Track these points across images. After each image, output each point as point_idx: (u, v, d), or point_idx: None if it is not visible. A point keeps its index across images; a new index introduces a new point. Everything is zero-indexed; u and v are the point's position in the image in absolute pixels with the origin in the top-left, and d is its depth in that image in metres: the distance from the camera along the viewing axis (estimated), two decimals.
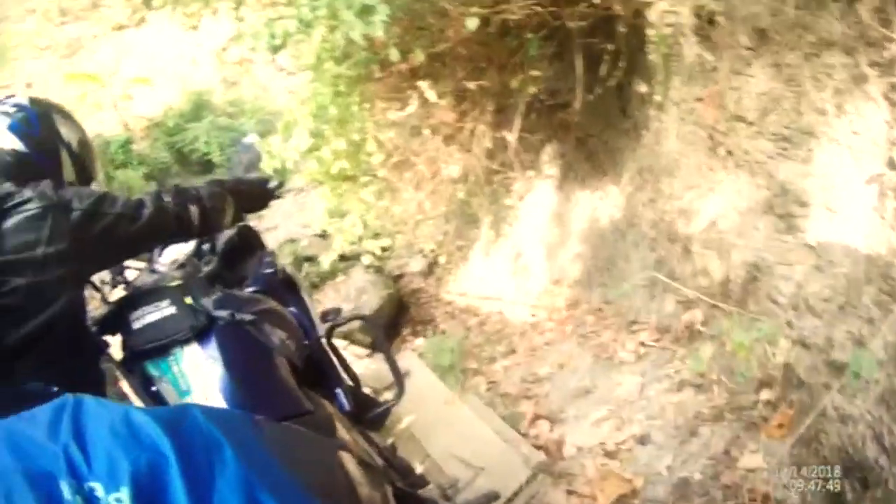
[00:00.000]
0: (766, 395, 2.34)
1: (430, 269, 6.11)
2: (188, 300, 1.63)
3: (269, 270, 2.05)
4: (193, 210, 1.67)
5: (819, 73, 2.14)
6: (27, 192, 1.42)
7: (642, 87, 3.06)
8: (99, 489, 0.85)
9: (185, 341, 1.60)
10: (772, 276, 2.42)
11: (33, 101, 1.74)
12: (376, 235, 5.59)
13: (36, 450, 0.89)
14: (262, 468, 0.94)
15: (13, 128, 1.63)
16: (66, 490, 0.84)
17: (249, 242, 2.17)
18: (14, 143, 1.62)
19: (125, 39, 10.92)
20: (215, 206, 1.75)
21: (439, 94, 3.99)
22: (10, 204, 1.39)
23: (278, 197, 2.10)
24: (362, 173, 4.64)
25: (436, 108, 4.44)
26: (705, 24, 2.50)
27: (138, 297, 1.70)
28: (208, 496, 0.87)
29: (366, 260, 5.36)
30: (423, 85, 3.89)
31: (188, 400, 1.55)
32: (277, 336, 1.71)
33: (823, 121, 2.17)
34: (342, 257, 5.25)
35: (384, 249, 5.85)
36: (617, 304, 3.49)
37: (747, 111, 2.47)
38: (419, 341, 5.08)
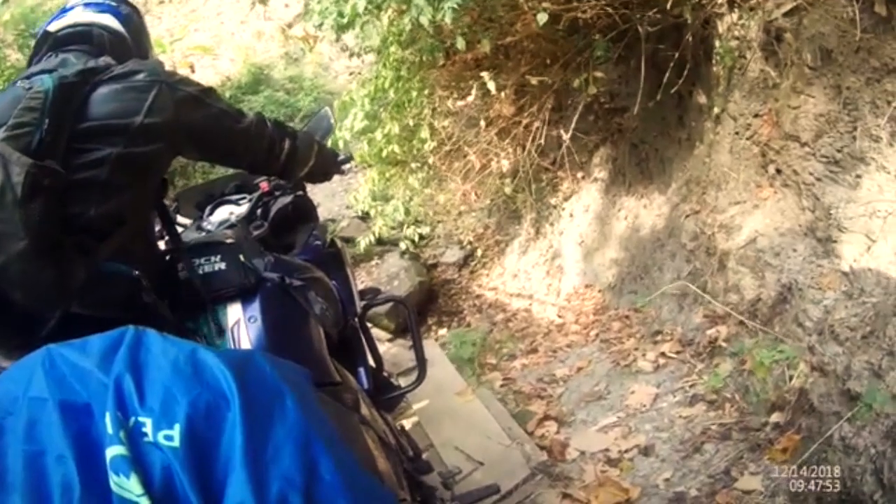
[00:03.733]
0: (776, 417, 2.29)
1: (466, 261, 6.11)
2: (241, 258, 1.59)
3: (318, 242, 2.04)
4: (287, 145, 1.61)
5: (878, 99, 2.10)
6: (132, 65, 1.36)
7: (702, 98, 3.03)
8: (148, 425, 0.81)
9: (229, 299, 1.57)
10: (802, 299, 2.38)
11: None
12: (417, 223, 5.63)
13: (79, 381, 0.85)
14: (318, 423, 0.92)
15: (106, 9, 1.58)
16: (108, 423, 0.80)
17: (304, 212, 2.15)
18: (111, 21, 1.56)
19: (191, 7, 10.82)
20: (304, 153, 1.69)
21: (500, 87, 4.00)
22: (110, 74, 1.32)
23: (343, 173, 2.07)
24: (412, 159, 4.71)
25: (495, 101, 4.45)
26: (772, 39, 2.47)
27: (191, 248, 1.65)
28: (264, 442, 0.84)
29: (403, 246, 5.40)
30: (486, 76, 3.90)
31: None
32: (319, 305, 1.68)
33: (876, 147, 2.13)
34: (380, 241, 5.26)
35: (423, 237, 5.91)
36: (644, 312, 3.46)
37: (802, 131, 2.43)
38: (443, 331, 5.11)
